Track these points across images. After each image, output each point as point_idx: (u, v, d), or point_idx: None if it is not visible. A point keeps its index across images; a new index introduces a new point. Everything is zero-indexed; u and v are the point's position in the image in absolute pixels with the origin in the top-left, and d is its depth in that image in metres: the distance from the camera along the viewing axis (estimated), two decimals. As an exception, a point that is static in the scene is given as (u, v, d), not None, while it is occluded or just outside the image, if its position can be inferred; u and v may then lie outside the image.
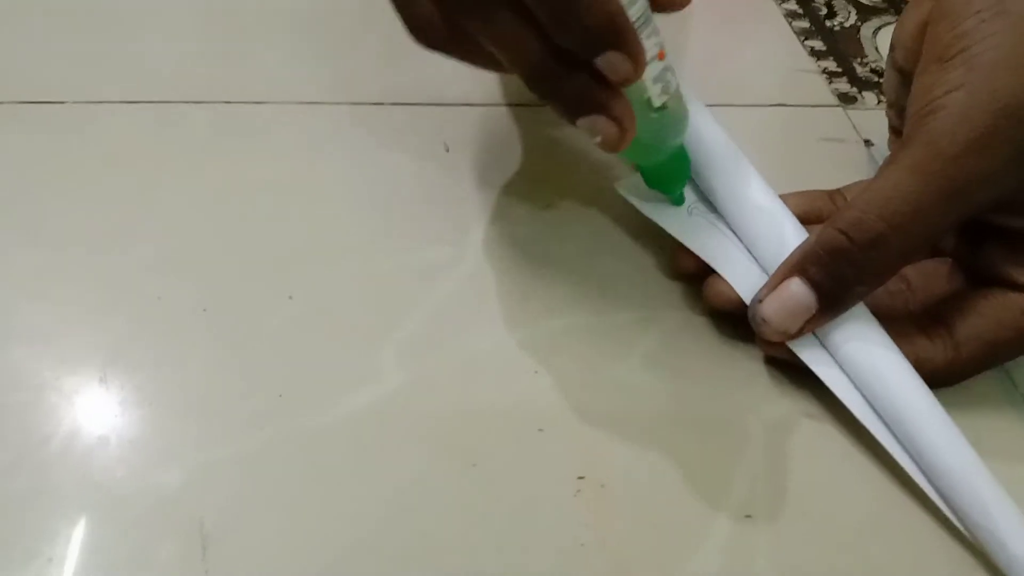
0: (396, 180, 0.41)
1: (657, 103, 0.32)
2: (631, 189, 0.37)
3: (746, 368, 0.35)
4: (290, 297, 0.36)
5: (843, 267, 0.31)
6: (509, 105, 0.46)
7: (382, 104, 0.45)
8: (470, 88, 0.46)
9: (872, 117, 0.46)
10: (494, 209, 0.40)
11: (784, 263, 0.32)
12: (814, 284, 0.31)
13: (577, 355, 0.35)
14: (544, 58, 0.30)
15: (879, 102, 0.47)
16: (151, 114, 0.44)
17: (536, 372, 0.34)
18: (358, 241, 0.38)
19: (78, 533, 0.29)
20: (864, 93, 0.48)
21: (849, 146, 0.44)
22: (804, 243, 0.32)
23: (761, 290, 0.32)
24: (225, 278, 0.36)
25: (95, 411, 0.32)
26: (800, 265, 0.32)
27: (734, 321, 0.36)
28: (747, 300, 0.33)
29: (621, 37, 0.28)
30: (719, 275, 0.34)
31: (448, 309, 0.36)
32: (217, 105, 0.43)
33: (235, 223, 0.38)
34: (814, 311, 0.31)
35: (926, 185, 0.30)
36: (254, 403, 0.32)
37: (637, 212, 0.40)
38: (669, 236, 0.36)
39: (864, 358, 0.32)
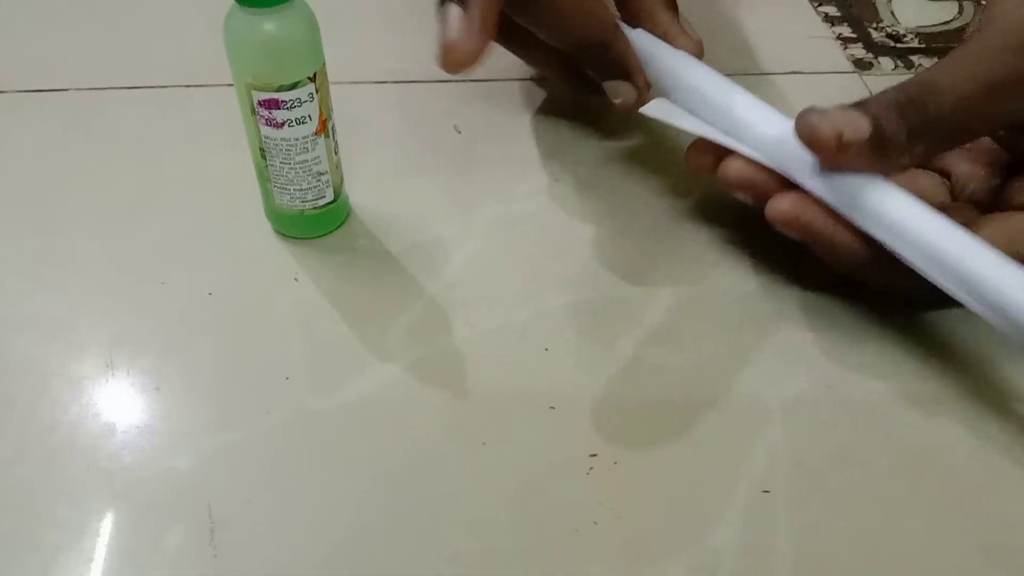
0: (402, 157, 0.41)
1: None
2: (656, 110, 0.37)
3: (762, 342, 0.34)
4: (295, 279, 0.35)
5: (909, 116, 0.31)
6: (516, 80, 0.45)
7: (385, 83, 0.45)
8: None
9: (888, 82, 0.44)
10: (501, 185, 0.39)
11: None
12: (874, 119, 0.31)
13: (588, 331, 0.34)
14: None
15: (895, 67, 0.46)
16: (153, 99, 0.44)
17: (547, 349, 0.33)
18: (364, 221, 0.37)
19: (85, 521, 0.28)
20: (880, 59, 0.46)
21: (865, 113, 0.43)
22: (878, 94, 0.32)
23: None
24: (230, 261, 0.36)
25: (101, 397, 0.31)
26: (865, 105, 0.31)
27: (747, 295, 0.35)
28: (773, 164, 0.33)
29: None
30: (734, 155, 0.34)
31: (456, 288, 0.35)
32: (219, 88, 0.43)
33: (239, 205, 0.37)
34: (865, 136, 0.30)
35: (1000, 71, 0.30)
36: (260, 386, 0.32)
37: (644, 184, 0.39)
38: (680, 202, 0.35)
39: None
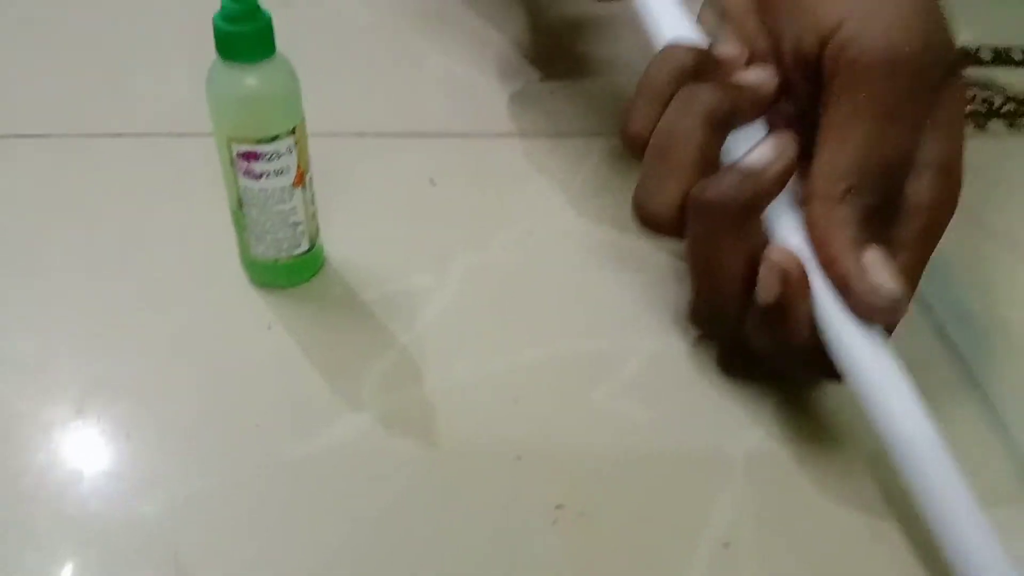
0: (377, 208, 0.41)
1: None
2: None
3: (726, 396, 0.34)
4: (269, 327, 0.36)
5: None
6: (492, 135, 0.46)
7: (364, 135, 0.45)
8: (453, 118, 0.46)
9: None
10: (475, 237, 0.40)
11: None
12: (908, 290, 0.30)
13: (557, 383, 0.34)
14: None
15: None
16: (138, 147, 0.44)
17: (516, 400, 0.34)
18: (339, 271, 0.38)
19: (51, 568, 0.28)
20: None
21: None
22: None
23: None
24: (205, 309, 0.36)
25: (71, 443, 0.32)
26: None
27: (713, 350, 0.36)
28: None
29: None
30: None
31: (428, 338, 0.36)
32: (201, 138, 0.43)
33: (216, 253, 0.38)
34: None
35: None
36: (231, 434, 0.32)
37: (618, 240, 0.40)
38: (651, 258, 0.36)
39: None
